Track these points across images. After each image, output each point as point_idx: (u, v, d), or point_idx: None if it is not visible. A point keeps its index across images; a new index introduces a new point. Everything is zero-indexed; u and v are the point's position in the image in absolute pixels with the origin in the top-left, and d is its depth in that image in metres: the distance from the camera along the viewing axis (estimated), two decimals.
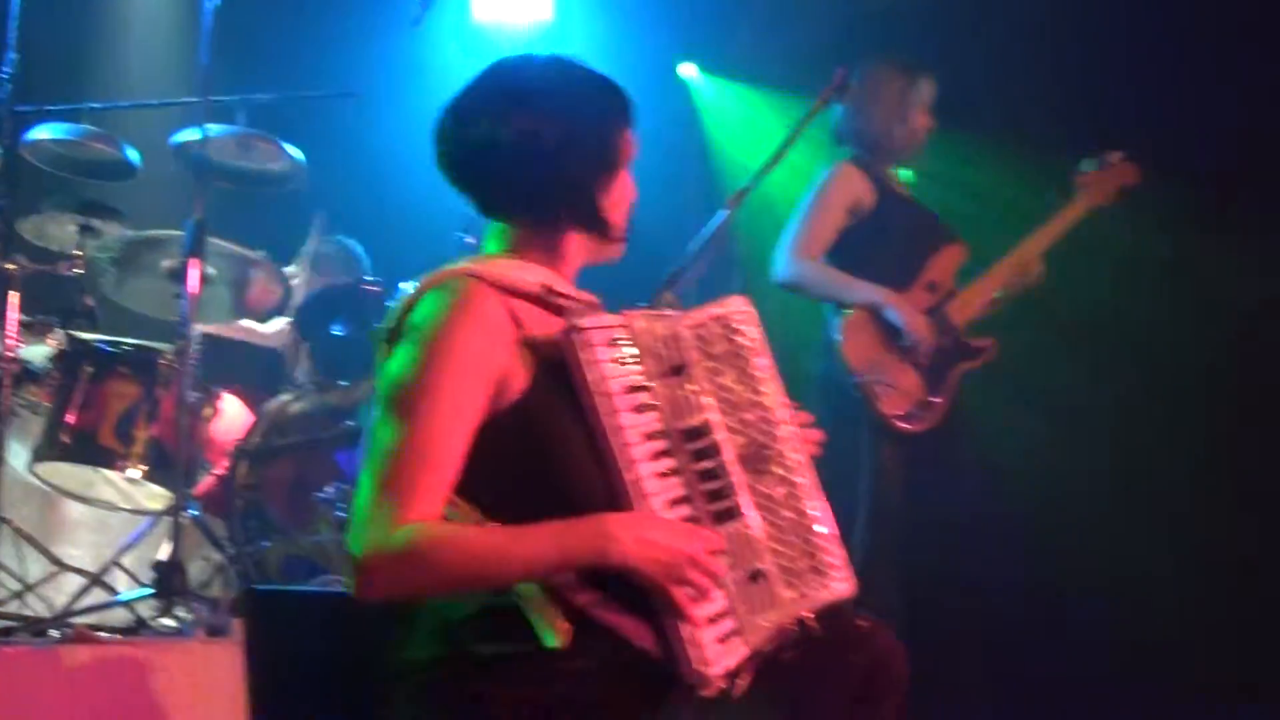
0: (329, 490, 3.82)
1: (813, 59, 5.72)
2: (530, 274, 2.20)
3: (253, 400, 4.43)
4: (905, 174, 4.39)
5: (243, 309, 4.47)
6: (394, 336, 2.15)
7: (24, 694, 2.91)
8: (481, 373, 2.06)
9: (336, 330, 4.31)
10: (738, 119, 6.36)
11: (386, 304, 4.26)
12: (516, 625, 2.03)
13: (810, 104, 4.06)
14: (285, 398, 4.21)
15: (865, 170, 4.21)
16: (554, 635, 2.01)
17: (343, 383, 4.17)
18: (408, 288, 4.17)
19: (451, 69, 5.28)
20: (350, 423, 3.86)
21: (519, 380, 2.09)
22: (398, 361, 2.09)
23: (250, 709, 2.35)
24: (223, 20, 3.93)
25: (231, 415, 4.32)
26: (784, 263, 4.14)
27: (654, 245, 4.38)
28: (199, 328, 4.31)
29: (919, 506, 4.04)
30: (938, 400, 4.09)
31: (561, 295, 2.19)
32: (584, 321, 2.11)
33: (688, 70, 6.55)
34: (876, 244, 4.15)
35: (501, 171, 2.24)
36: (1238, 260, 5.06)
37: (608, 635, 2.04)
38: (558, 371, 2.09)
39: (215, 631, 3.52)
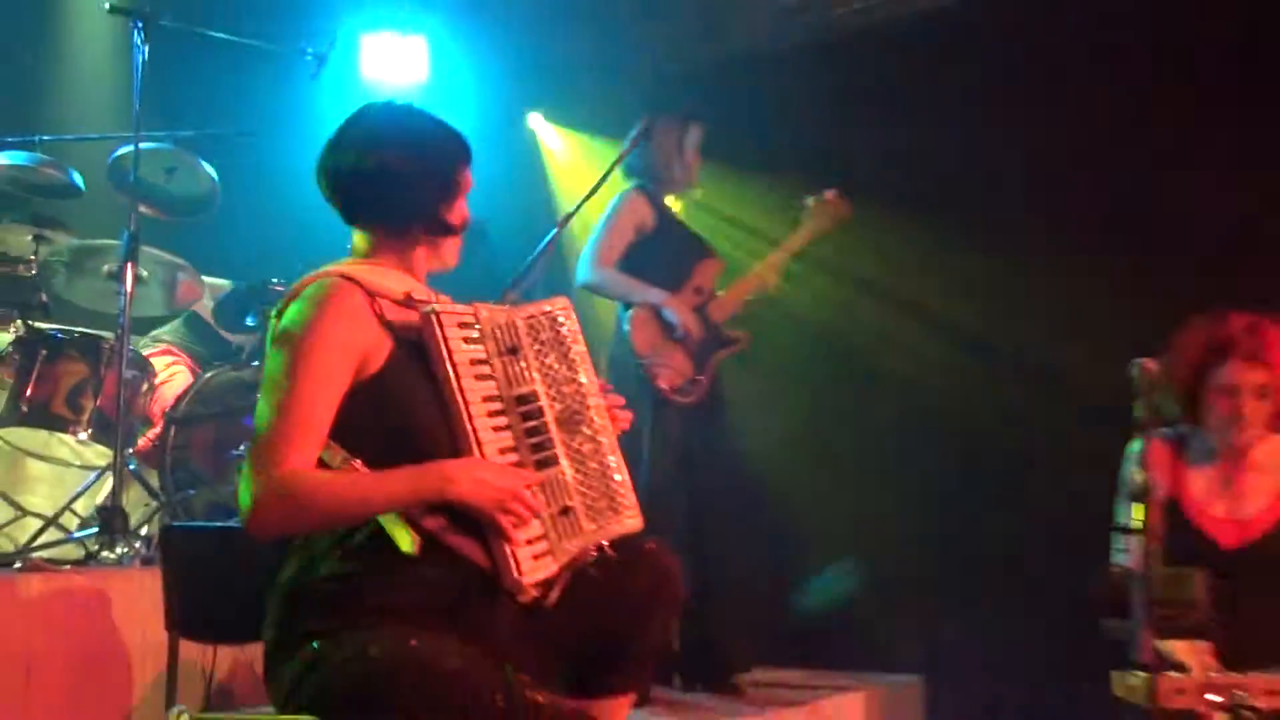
0: (243, 449, 3.74)
1: (625, 112, 5.83)
2: (391, 280, 2.20)
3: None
4: (678, 203, 4.38)
5: (172, 304, 4.37)
6: (279, 319, 2.14)
7: None
8: (346, 351, 2.07)
9: (249, 321, 4.23)
10: (569, 156, 6.40)
11: None
12: (381, 543, 2.04)
13: (620, 146, 4.15)
14: (208, 373, 4.12)
15: (648, 198, 4.19)
16: (409, 544, 2.02)
17: (254, 363, 4.09)
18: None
19: (344, 114, 5.22)
20: (259, 396, 3.80)
21: (379, 356, 2.10)
22: (280, 344, 2.09)
23: (168, 623, 2.33)
24: (153, 70, 3.83)
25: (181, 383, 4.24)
26: (585, 270, 4.11)
27: (505, 256, 4.44)
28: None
29: (690, 459, 4.07)
30: (702, 378, 4.11)
31: (419, 300, 2.19)
32: (440, 308, 2.14)
33: (535, 119, 6.54)
34: (656, 257, 4.13)
35: (364, 194, 2.25)
36: (937, 280, 5.21)
37: (449, 552, 2.06)
38: (415, 349, 2.11)
39: (148, 562, 3.46)
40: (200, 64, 4.37)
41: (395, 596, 2.04)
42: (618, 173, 4.06)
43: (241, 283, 4.39)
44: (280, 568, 2.13)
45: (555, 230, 3.70)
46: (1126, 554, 2.94)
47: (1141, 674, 2.57)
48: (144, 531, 3.77)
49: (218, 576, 2.33)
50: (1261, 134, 4.48)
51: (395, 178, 2.21)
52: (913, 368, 5.26)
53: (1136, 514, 2.53)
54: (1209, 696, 2.49)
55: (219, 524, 3.44)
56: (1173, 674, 2.53)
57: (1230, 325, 2.99)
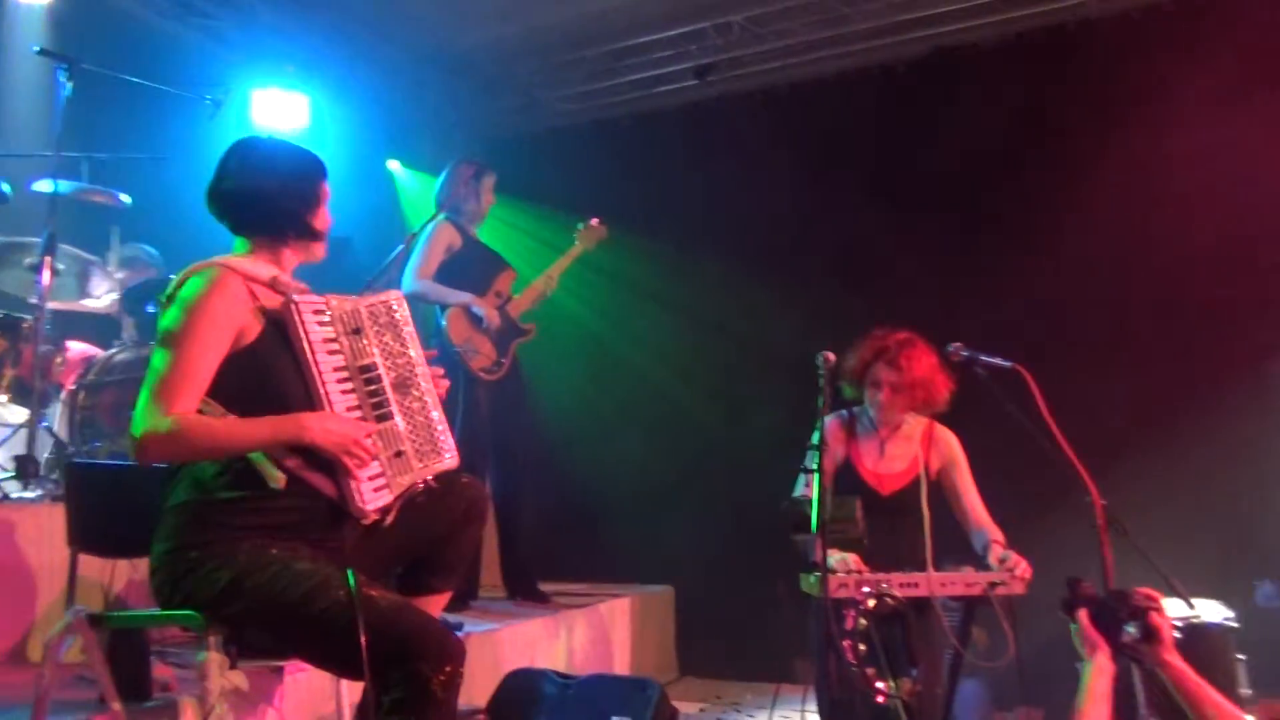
0: None
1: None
2: (262, 269, 2.14)
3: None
4: (480, 229, 4.36)
5: (84, 293, 4.07)
6: (169, 300, 2.06)
7: None
8: (225, 324, 2.01)
9: (150, 309, 3.96)
10: (419, 192, 6.32)
11: None
12: (250, 477, 1.99)
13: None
14: (112, 350, 3.85)
15: (454, 225, 4.16)
16: (275, 480, 1.98)
17: (152, 342, 3.85)
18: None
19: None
20: None
21: (252, 332, 2.04)
22: (171, 314, 2.02)
23: (69, 539, 2.19)
24: (75, 103, 3.57)
25: (80, 351, 3.94)
26: (408, 282, 4.03)
27: (367, 264, 4.35)
28: (56, 304, 3.93)
29: (496, 422, 4.07)
30: (504, 360, 4.12)
31: (284, 285, 2.15)
32: (299, 297, 2.09)
33: (394, 165, 6.40)
34: (463, 269, 4.12)
35: (245, 212, 2.18)
36: (671, 286, 5.44)
37: (307, 486, 2.02)
38: (280, 328, 2.06)
39: (58, 499, 3.21)
40: (116, 102, 4.09)
41: (260, 518, 1.99)
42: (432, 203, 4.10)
43: (145, 279, 4.12)
44: (165, 496, 2.04)
45: (401, 246, 3.65)
46: (807, 488, 3.12)
47: (817, 574, 2.74)
48: (54, 476, 3.50)
49: (111, 503, 2.21)
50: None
51: (268, 197, 2.15)
52: (655, 349, 5.48)
53: (814, 462, 2.69)
54: (864, 589, 2.67)
55: (112, 462, 3.24)
56: (838, 573, 2.71)
57: (886, 338, 3.17)
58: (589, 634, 4.01)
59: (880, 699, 2.59)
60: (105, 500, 2.20)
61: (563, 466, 5.18)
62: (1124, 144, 4.41)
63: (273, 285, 2.11)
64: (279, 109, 5.60)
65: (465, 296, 4.06)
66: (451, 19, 5.81)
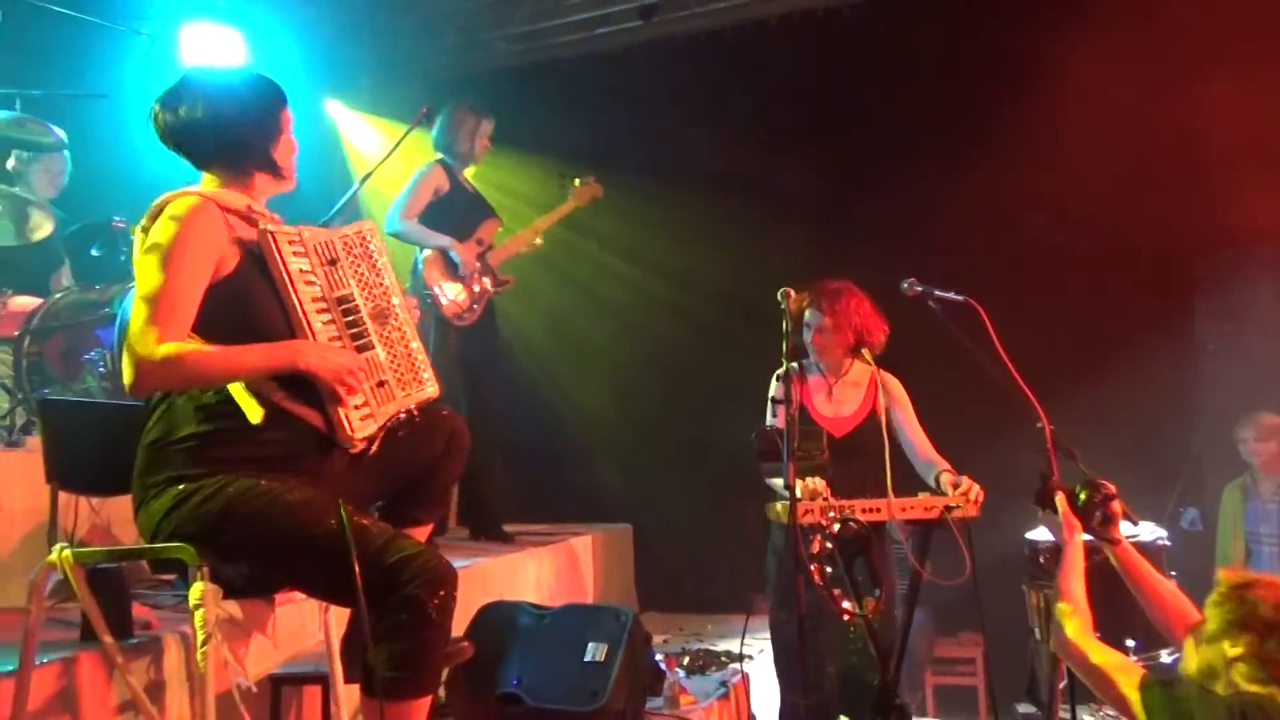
0: (93, 354, 3.43)
1: (401, 103, 5.70)
2: (236, 198, 2.11)
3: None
4: (469, 171, 4.35)
5: (23, 235, 3.92)
6: (146, 229, 2.02)
7: None
8: (207, 253, 1.98)
9: (94, 251, 3.85)
10: (357, 132, 6.21)
11: (129, 235, 3.87)
12: (235, 410, 1.98)
13: (405, 126, 4.08)
14: (58, 295, 3.73)
15: (445, 169, 4.14)
16: (258, 414, 1.98)
17: (98, 286, 3.74)
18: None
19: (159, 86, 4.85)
20: (106, 310, 3.49)
21: (230, 263, 2.02)
22: (154, 244, 1.97)
23: (47, 476, 2.17)
24: (9, 37, 3.43)
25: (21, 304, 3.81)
26: (391, 221, 4.02)
27: (314, 206, 4.28)
28: None
29: (467, 369, 4.09)
30: (477, 309, 4.14)
31: (257, 213, 2.13)
32: (274, 228, 2.07)
33: (332, 104, 6.26)
34: (448, 214, 4.10)
35: (205, 143, 2.12)
36: (648, 237, 5.45)
37: (291, 416, 2.02)
38: (257, 259, 2.04)
39: (12, 445, 3.16)
40: (46, 34, 3.92)
41: (246, 450, 1.98)
42: (427, 145, 4.07)
43: (88, 219, 3.99)
44: (147, 430, 2.02)
45: (356, 186, 3.59)
46: (774, 419, 3.24)
47: (784, 501, 2.86)
48: (5, 422, 3.42)
49: (86, 439, 2.18)
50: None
51: (228, 126, 2.08)
52: (610, 293, 5.54)
53: (780, 392, 2.79)
54: (830, 514, 2.80)
55: (85, 399, 3.18)
56: (805, 499, 2.82)
57: (819, 286, 3.34)
58: (554, 570, 4.10)
59: (846, 617, 2.73)
60: (82, 437, 2.17)
61: (521, 410, 5.21)
62: (1073, 73, 4.49)
63: (246, 215, 2.09)
64: (211, 44, 5.40)
65: (445, 240, 4.05)
66: None
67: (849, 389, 3.37)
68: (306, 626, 2.72)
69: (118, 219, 3.88)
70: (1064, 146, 4.57)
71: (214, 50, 5.39)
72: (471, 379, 4.09)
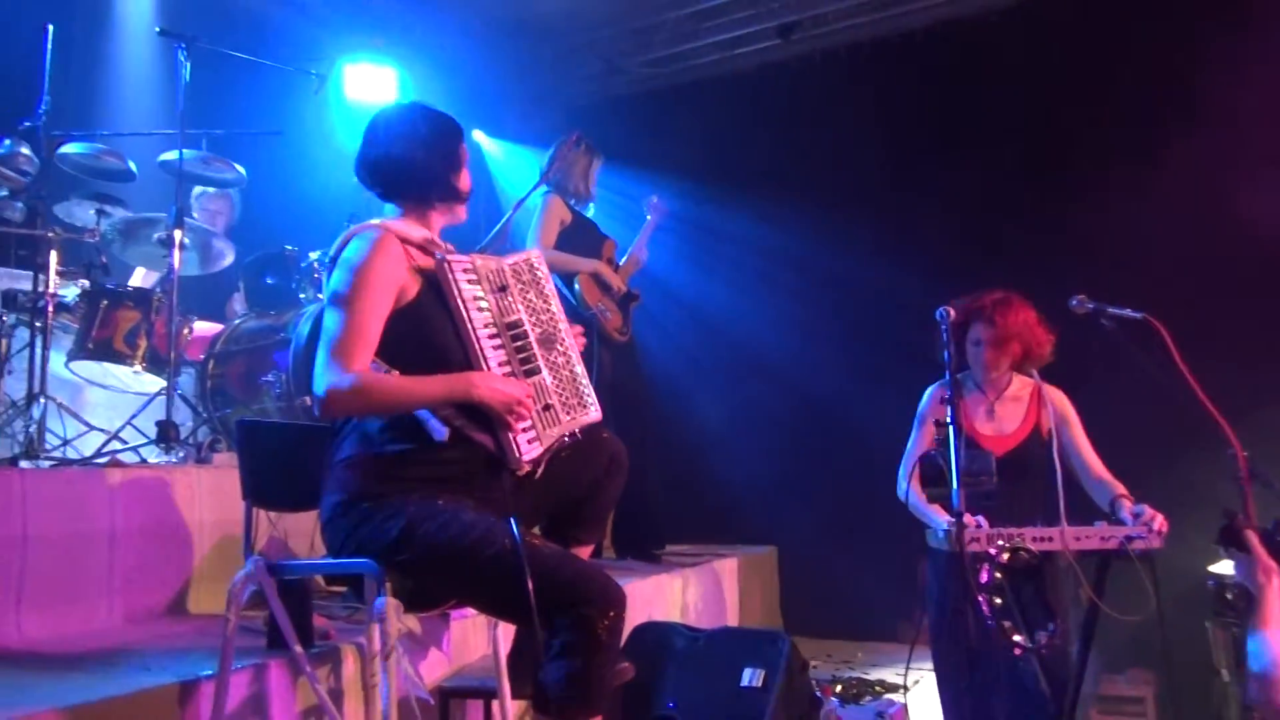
0: (269, 377, 3.64)
1: (542, 131, 5.85)
2: (415, 230, 2.21)
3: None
4: (588, 210, 4.43)
5: (205, 265, 4.21)
6: (334, 261, 2.14)
7: (79, 500, 2.75)
8: (388, 284, 2.08)
9: (268, 279, 4.10)
10: (503, 159, 6.40)
11: (301, 263, 4.10)
12: (417, 431, 2.07)
13: (547, 155, 4.22)
14: (237, 321, 4.00)
15: (563, 199, 4.25)
16: (440, 433, 2.06)
17: (273, 311, 3.99)
18: (314, 255, 4.08)
19: (331, 125, 5.16)
20: (281, 335, 3.70)
21: (410, 291, 2.11)
22: (337, 277, 2.08)
23: (244, 494, 2.31)
24: (194, 80, 3.71)
25: (204, 329, 4.10)
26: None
27: (465, 233, 4.43)
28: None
29: (617, 384, 4.14)
30: (628, 325, 4.24)
31: (435, 244, 2.22)
32: (450, 257, 2.16)
33: (478, 134, 6.49)
34: (576, 240, 4.21)
35: (394, 176, 2.24)
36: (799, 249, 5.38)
37: (468, 440, 2.09)
38: (434, 286, 2.13)
39: (201, 461, 3.37)
40: (225, 76, 4.21)
41: (426, 470, 2.07)
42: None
43: (261, 249, 4.26)
44: (333, 451, 2.13)
45: (509, 214, 3.69)
46: (919, 435, 3.14)
47: (945, 527, 2.75)
48: (192, 441, 3.66)
49: (280, 459, 2.31)
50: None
51: (414, 162, 2.21)
52: (758, 309, 5.49)
53: (934, 409, 2.68)
54: (999, 542, 2.68)
55: (279, 420, 3.38)
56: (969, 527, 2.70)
57: (981, 298, 3.15)
58: (700, 591, 4.08)
59: (1017, 652, 2.61)
60: (275, 456, 2.30)
61: (662, 429, 5.23)
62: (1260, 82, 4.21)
63: (425, 247, 2.18)
64: (369, 82, 5.71)
65: (591, 263, 4.19)
66: None
67: (1010, 405, 3.18)
68: (469, 639, 2.80)
69: (290, 247, 4.11)
70: (1237, 153, 4.28)
71: (372, 86, 5.71)
72: (626, 397, 4.15)
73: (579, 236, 4.25)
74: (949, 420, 2.62)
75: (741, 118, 5.81)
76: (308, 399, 3.61)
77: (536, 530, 2.30)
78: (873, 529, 4.57)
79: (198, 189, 4.41)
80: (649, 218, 4.54)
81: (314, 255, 4.07)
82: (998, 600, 2.58)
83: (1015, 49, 5.01)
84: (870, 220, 5.22)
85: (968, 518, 2.74)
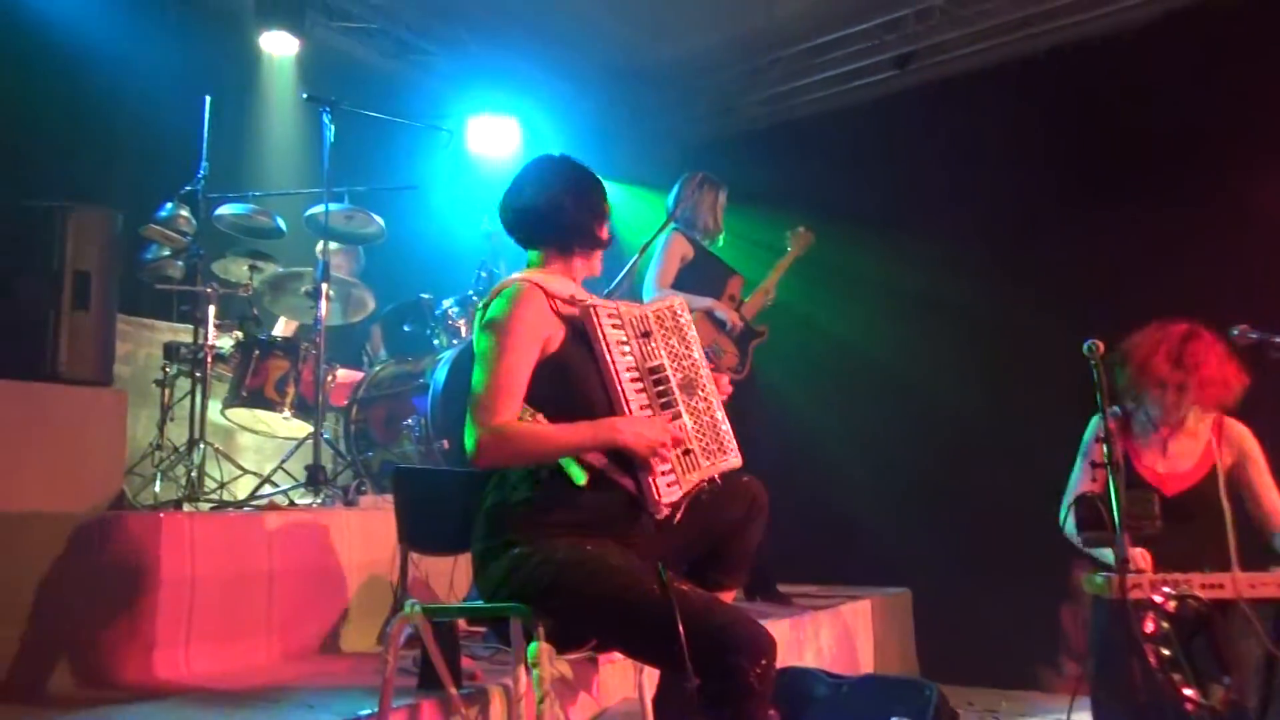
0: (410, 420, 3.77)
1: (653, 169, 5.93)
2: (559, 283, 2.26)
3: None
4: (718, 243, 4.42)
5: (347, 316, 4.41)
6: (484, 314, 2.20)
7: (241, 542, 2.88)
8: (534, 335, 2.13)
9: (405, 327, 4.27)
10: (620, 203, 6.49)
11: (435, 311, 4.24)
12: (561, 478, 2.10)
13: (660, 191, 4.24)
14: (377, 368, 4.17)
15: (686, 236, 4.25)
16: (583, 477, 2.09)
17: (411, 358, 4.13)
18: (448, 303, 4.21)
19: (456, 180, 5.36)
20: (420, 380, 3.83)
21: (556, 340, 2.16)
22: (483, 340, 2.14)
23: (400, 538, 2.37)
24: (335, 141, 3.91)
25: (346, 376, 4.28)
26: (650, 290, 4.15)
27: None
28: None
29: (739, 425, 4.09)
30: (746, 364, 4.18)
31: (579, 297, 2.26)
32: (595, 302, 2.20)
33: None
34: (698, 277, 4.21)
35: (541, 225, 2.31)
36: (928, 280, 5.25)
37: (611, 483, 2.12)
38: (579, 333, 2.17)
39: (349, 504, 3.50)
40: (360, 137, 4.42)
41: (571, 515, 2.10)
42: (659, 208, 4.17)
43: (398, 300, 4.43)
44: (484, 497, 2.18)
45: (636, 257, 3.74)
46: (1093, 484, 2.97)
47: (1105, 573, 2.61)
48: (339, 483, 3.82)
49: (432, 504, 2.38)
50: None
51: (564, 211, 2.28)
52: (887, 344, 5.36)
53: (1104, 455, 2.55)
54: (1164, 589, 2.52)
55: (431, 466, 3.49)
56: (1132, 572, 2.56)
57: (1167, 332, 2.95)
58: (834, 636, 3.98)
59: (1189, 707, 2.44)
60: (427, 501, 2.37)
61: (787, 467, 5.16)
62: None
63: (569, 299, 2.23)
64: (492, 133, 5.92)
65: (707, 302, 4.16)
66: (645, 35, 5.98)
67: (1186, 441, 2.97)
68: (608, 682, 2.80)
69: (424, 295, 4.26)
70: None
71: (494, 139, 5.93)
72: (746, 436, 4.09)
73: (703, 273, 4.25)
74: (1106, 461, 2.49)
75: (857, 151, 5.76)
76: (445, 442, 3.82)
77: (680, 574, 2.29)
78: (1012, 570, 4.41)
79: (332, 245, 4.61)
80: (789, 250, 4.43)
81: (447, 303, 4.21)
82: (1165, 651, 2.42)
83: (1150, 68, 4.81)
84: (994, 249, 5.07)
85: (1136, 558, 2.60)
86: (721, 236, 4.42)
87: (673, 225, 4.22)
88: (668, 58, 6.22)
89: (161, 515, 2.81)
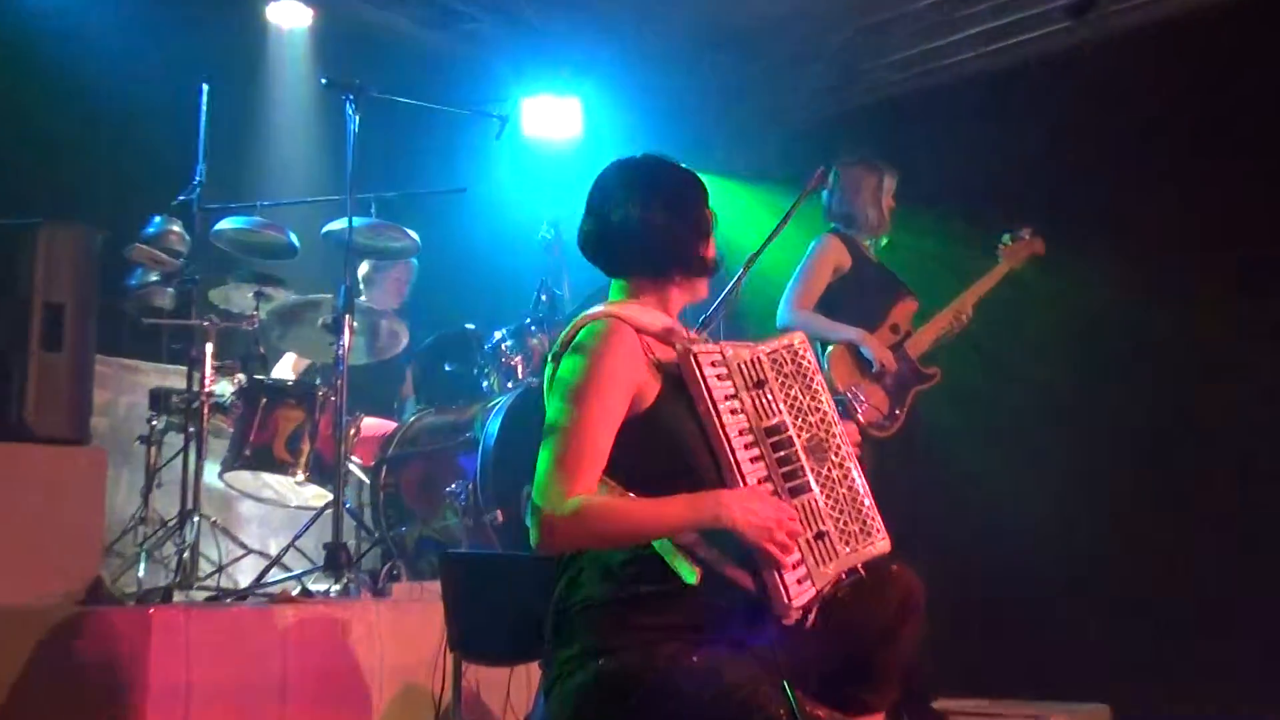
0: (454, 486, 3.76)
1: (764, 161, 5.87)
2: (652, 317, 2.23)
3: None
4: (880, 242, 4.32)
5: (374, 351, 4.46)
6: (557, 359, 2.18)
7: (247, 643, 2.90)
8: (622, 386, 2.09)
9: (447, 366, 4.27)
10: (718, 200, 6.45)
11: (485, 345, 4.25)
12: (661, 570, 2.05)
13: (767, 185, 4.18)
14: (412, 418, 4.19)
15: (844, 241, 4.17)
16: (692, 574, 2.04)
17: (455, 406, 4.15)
18: (500, 333, 4.22)
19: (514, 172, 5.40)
20: (466, 435, 3.83)
21: (651, 392, 2.12)
22: (562, 378, 2.11)
23: (451, 645, 2.36)
24: (361, 135, 3.96)
25: (372, 427, 4.32)
26: (785, 312, 4.08)
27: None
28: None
29: (887, 492, 4.01)
30: (900, 413, 4.06)
31: (675, 332, 2.23)
32: (695, 348, 2.14)
33: None
34: (852, 296, 4.11)
35: (630, 248, 2.28)
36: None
37: (722, 579, 2.06)
38: (677, 386, 2.12)
39: (378, 593, 3.50)
40: (390, 129, 4.49)
41: (673, 617, 2.04)
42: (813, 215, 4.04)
43: (440, 330, 4.47)
44: (565, 591, 2.13)
45: (741, 272, 3.69)
46: None
47: None
48: (365, 566, 3.84)
49: (492, 599, 2.36)
50: None
51: (657, 229, 2.25)
52: (1073, 386, 5.19)
53: None
54: None
55: (485, 550, 3.49)
56: None
57: None
58: None
59: None
60: (486, 597, 2.35)
61: (953, 550, 5.00)
62: None
63: (666, 337, 2.20)
64: (551, 117, 5.98)
65: (853, 333, 4.06)
66: None
67: None
68: None
69: (469, 326, 4.28)
70: None
71: (553, 122, 5.98)
72: (890, 502, 3.99)
73: (862, 289, 4.15)
74: None
75: (1015, 123, 5.61)
76: (500, 513, 3.80)
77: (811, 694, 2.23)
78: (1228, 680, 4.23)
79: (375, 263, 4.67)
80: (1000, 263, 4.27)
81: (499, 335, 4.20)
82: None
83: None
84: (1208, 245, 4.89)
85: None
86: (886, 236, 4.33)
87: (830, 226, 4.17)
88: (770, 17, 6.19)
89: (150, 611, 2.83)
